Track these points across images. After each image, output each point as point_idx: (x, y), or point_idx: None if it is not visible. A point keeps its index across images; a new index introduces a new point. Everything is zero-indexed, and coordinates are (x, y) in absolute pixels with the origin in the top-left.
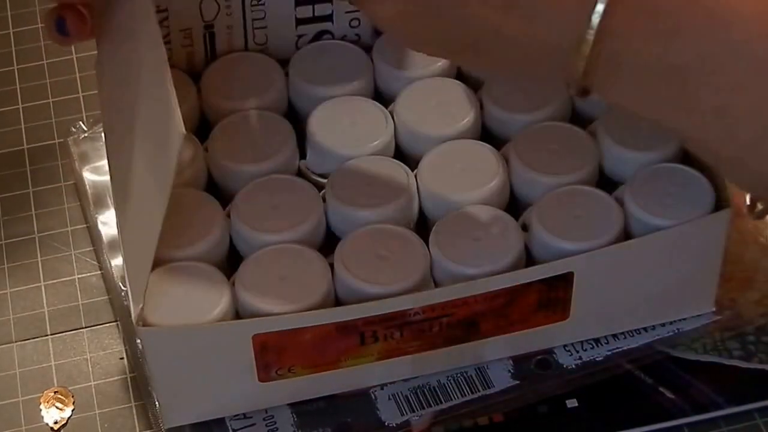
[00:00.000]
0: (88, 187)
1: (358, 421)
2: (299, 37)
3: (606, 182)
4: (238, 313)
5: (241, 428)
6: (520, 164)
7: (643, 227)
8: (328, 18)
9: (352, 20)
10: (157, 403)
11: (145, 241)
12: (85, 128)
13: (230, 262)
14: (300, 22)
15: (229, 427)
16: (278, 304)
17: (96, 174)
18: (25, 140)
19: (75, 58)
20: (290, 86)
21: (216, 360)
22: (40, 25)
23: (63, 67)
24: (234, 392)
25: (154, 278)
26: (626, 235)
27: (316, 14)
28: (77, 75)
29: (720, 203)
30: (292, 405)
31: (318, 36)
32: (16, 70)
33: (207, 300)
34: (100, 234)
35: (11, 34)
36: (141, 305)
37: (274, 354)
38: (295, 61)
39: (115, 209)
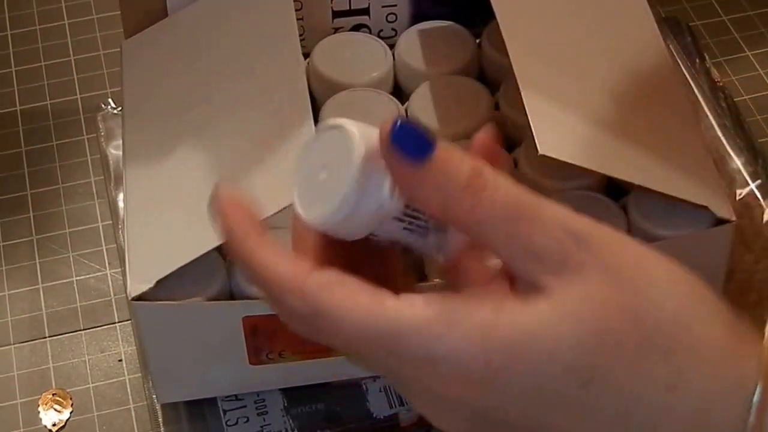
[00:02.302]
0: (111, 162)
1: (347, 411)
2: (336, 30)
3: (614, 189)
4: (234, 294)
5: (232, 409)
6: (529, 168)
7: (645, 237)
8: (365, 11)
9: (388, 14)
10: (150, 378)
11: (152, 218)
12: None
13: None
14: (336, 14)
15: (221, 408)
16: None
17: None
18: (23, 142)
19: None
20: (310, 75)
21: (208, 340)
22: (63, 4)
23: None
24: (225, 373)
25: (153, 255)
26: None
27: (352, 7)
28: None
29: (723, 217)
30: (282, 390)
31: (355, 29)
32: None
33: (202, 279)
34: (118, 209)
35: (35, 13)
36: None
37: (264, 338)
38: (318, 50)
39: (125, 184)
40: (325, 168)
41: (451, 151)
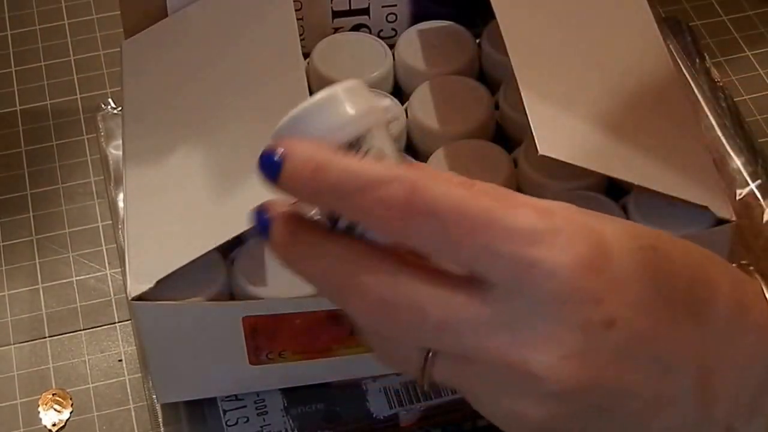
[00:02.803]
0: (111, 162)
1: (347, 411)
2: (336, 30)
3: (615, 190)
4: (234, 295)
5: (232, 409)
6: (529, 168)
7: None
8: (365, 11)
9: (388, 14)
10: (150, 378)
11: (152, 218)
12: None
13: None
14: (336, 14)
15: (221, 408)
16: (270, 288)
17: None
18: (23, 142)
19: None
20: (310, 75)
21: (208, 340)
22: (63, 4)
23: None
24: (225, 373)
25: (154, 253)
26: None
27: (352, 7)
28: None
29: (723, 217)
30: (282, 390)
31: (355, 29)
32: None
33: (202, 279)
34: (118, 209)
35: (35, 13)
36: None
37: (264, 338)
38: (318, 49)
39: (125, 184)
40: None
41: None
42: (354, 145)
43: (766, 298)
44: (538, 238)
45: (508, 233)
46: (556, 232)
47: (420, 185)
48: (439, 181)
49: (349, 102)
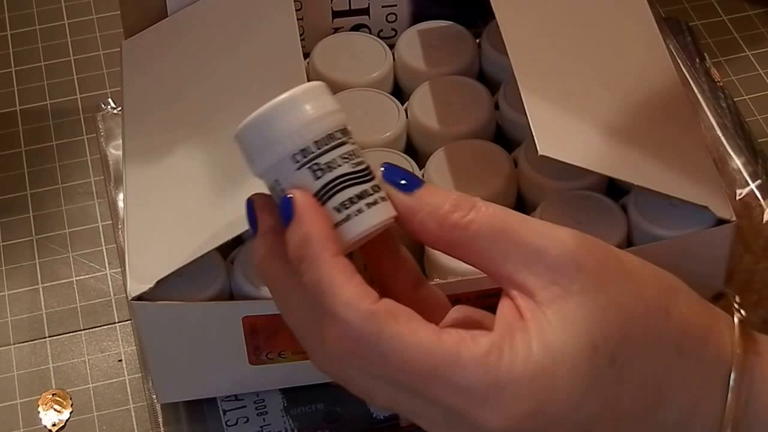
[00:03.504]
0: (111, 162)
1: (347, 411)
2: (336, 30)
3: (615, 190)
4: (234, 295)
5: (232, 409)
6: (529, 168)
7: (645, 237)
8: (365, 11)
9: (388, 14)
10: (150, 378)
11: (152, 218)
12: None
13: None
14: (336, 14)
15: (221, 408)
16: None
17: (120, 151)
18: (23, 142)
19: (98, 36)
20: (310, 75)
21: (208, 340)
22: (63, 4)
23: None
24: (225, 373)
25: (154, 253)
26: (629, 244)
27: (352, 7)
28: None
29: (723, 217)
30: (282, 390)
31: (355, 29)
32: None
33: (202, 279)
34: (118, 209)
35: (35, 13)
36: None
37: (264, 337)
38: (318, 49)
39: (125, 184)
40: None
41: (435, 186)
42: (346, 132)
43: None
44: (482, 397)
45: (455, 391)
46: (499, 390)
47: (387, 332)
48: (409, 327)
49: (324, 98)
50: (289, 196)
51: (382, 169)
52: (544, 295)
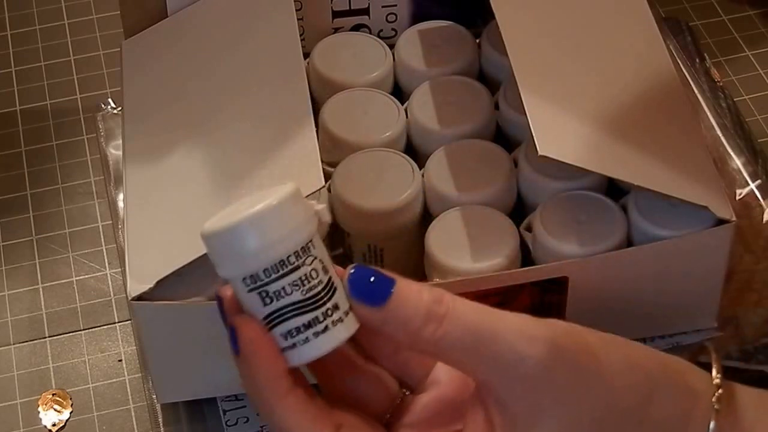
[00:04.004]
0: (111, 162)
1: None
2: (336, 30)
3: (615, 190)
4: None
5: (232, 409)
6: (529, 168)
7: (645, 237)
8: (365, 11)
9: (388, 14)
10: (150, 378)
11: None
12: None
13: None
14: (336, 14)
15: (221, 408)
16: None
17: (120, 151)
18: (23, 142)
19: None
20: (310, 75)
21: (208, 340)
22: (63, 4)
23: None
24: (225, 373)
25: (154, 253)
26: (629, 244)
27: (352, 7)
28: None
29: (723, 217)
30: None
31: (355, 29)
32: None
33: (202, 279)
34: (118, 209)
35: (35, 13)
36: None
37: None
38: (318, 49)
39: (125, 184)
40: (251, 202)
41: (409, 285)
42: (301, 254)
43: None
44: None
45: None
46: None
47: None
48: None
49: (293, 207)
50: (233, 326)
51: (348, 281)
52: (517, 408)
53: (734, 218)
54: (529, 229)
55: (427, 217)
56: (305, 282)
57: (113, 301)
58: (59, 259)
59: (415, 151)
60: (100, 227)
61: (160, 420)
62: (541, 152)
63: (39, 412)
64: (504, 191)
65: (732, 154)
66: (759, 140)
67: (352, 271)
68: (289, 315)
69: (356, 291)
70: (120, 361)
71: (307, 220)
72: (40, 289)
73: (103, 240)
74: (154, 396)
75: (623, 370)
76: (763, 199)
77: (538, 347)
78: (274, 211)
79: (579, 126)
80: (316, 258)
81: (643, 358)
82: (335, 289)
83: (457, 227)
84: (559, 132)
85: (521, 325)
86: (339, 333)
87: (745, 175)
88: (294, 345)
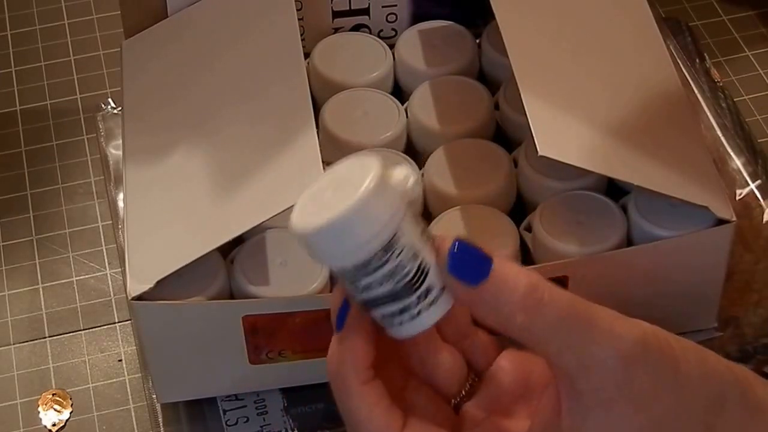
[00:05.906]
0: (111, 162)
1: None
2: (336, 30)
3: (615, 190)
4: (234, 294)
5: (232, 409)
6: (529, 168)
7: (645, 237)
8: (365, 11)
9: (388, 14)
10: (150, 378)
11: (152, 218)
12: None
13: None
14: (336, 14)
15: (221, 408)
16: (270, 288)
17: (120, 151)
18: (23, 142)
19: (98, 36)
20: (310, 75)
21: (208, 339)
22: (63, 4)
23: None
24: (225, 373)
25: (154, 253)
26: (629, 244)
27: (352, 7)
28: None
29: (723, 217)
30: (282, 390)
31: (355, 29)
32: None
33: (202, 279)
34: (118, 209)
35: (35, 13)
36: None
37: (264, 337)
38: (318, 49)
39: (125, 184)
40: (335, 189)
41: (507, 267)
42: (387, 249)
43: None
44: None
45: None
46: None
47: None
48: None
49: (376, 208)
50: (346, 301)
51: (449, 259)
52: (591, 400)
53: (734, 218)
54: (529, 229)
55: (427, 216)
56: (396, 273)
57: (113, 301)
58: (59, 259)
59: (415, 151)
60: (100, 227)
61: (160, 420)
62: (541, 152)
63: (39, 412)
64: (504, 191)
65: (732, 154)
66: (759, 140)
67: (455, 248)
68: (380, 304)
69: (455, 269)
70: (120, 361)
71: (392, 213)
72: (40, 289)
73: (103, 240)
74: (154, 396)
75: (699, 377)
76: (763, 199)
77: (626, 345)
78: (373, 198)
79: (579, 126)
80: (404, 246)
81: (717, 365)
82: (426, 273)
83: (457, 227)
84: (559, 132)
85: (612, 322)
86: (433, 314)
87: (745, 175)
88: (390, 326)
